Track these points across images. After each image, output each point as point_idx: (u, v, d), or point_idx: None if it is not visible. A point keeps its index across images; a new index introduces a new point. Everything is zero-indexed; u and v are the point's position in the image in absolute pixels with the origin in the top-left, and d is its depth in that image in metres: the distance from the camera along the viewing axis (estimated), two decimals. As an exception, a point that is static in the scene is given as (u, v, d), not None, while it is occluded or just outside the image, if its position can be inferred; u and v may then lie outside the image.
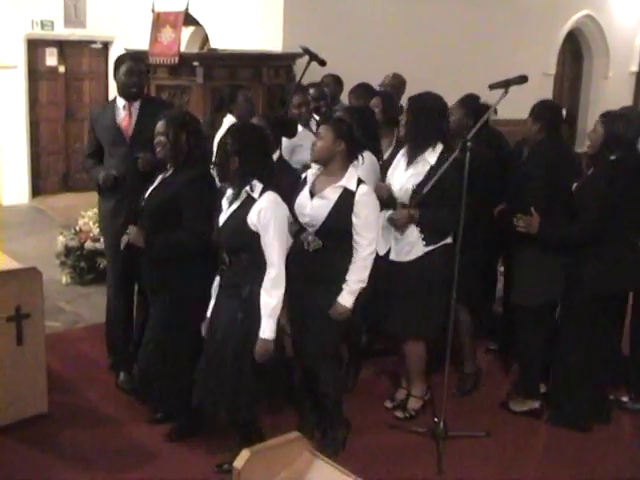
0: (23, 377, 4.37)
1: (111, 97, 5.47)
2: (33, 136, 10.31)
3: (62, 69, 10.47)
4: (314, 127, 5.33)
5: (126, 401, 4.71)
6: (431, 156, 4.32)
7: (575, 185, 4.51)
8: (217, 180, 3.96)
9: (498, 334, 5.60)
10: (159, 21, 6.49)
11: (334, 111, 5.73)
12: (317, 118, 5.61)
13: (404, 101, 4.94)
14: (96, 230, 6.50)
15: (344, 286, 3.96)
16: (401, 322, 4.45)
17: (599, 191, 4.34)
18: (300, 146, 5.04)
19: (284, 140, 4.79)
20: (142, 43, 6.99)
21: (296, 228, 4.09)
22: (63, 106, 10.51)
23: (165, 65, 6.43)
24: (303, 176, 4.17)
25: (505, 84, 4.12)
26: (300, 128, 5.29)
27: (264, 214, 3.58)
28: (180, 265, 4.03)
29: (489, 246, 5.00)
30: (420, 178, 4.30)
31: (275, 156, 4.33)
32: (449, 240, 4.39)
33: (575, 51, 11.30)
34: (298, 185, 4.12)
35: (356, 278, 3.95)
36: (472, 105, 4.97)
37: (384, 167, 4.60)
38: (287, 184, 4.05)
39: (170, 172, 4.13)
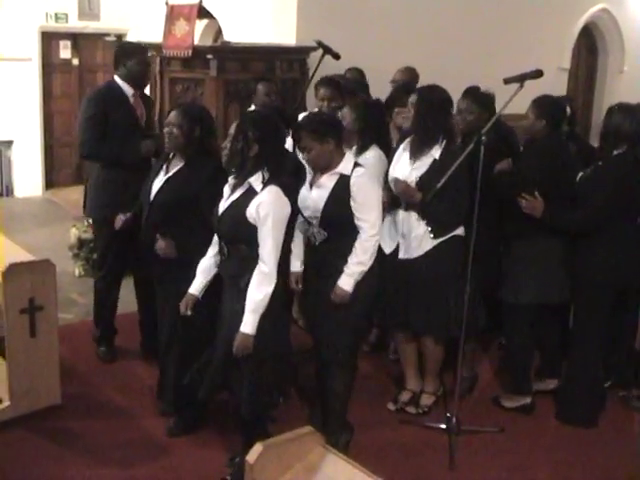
0: (36, 369, 4.38)
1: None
2: (47, 128, 10.36)
3: (76, 62, 10.51)
4: None
5: (139, 393, 4.73)
6: (436, 151, 4.27)
7: (580, 175, 4.50)
8: (224, 165, 3.86)
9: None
10: (173, 14, 6.48)
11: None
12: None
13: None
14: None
15: (344, 268, 3.89)
16: (421, 321, 4.40)
17: (602, 183, 4.32)
18: None
19: None
20: (156, 36, 6.99)
21: (305, 227, 4.06)
22: (77, 99, 10.50)
23: (179, 58, 6.42)
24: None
25: (520, 78, 4.08)
26: None
27: (262, 208, 3.50)
28: (189, 257, 3.98)
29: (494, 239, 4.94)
30: (423, 170, 4.26)
31: None
32: (459, 232, 4.34)
33: (590, 45, 11.22)
34: (302, 179, 4.08)
35: (356, 260, 3.87)
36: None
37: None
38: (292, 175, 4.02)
39: (181, 165, 4.06)
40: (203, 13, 6.64)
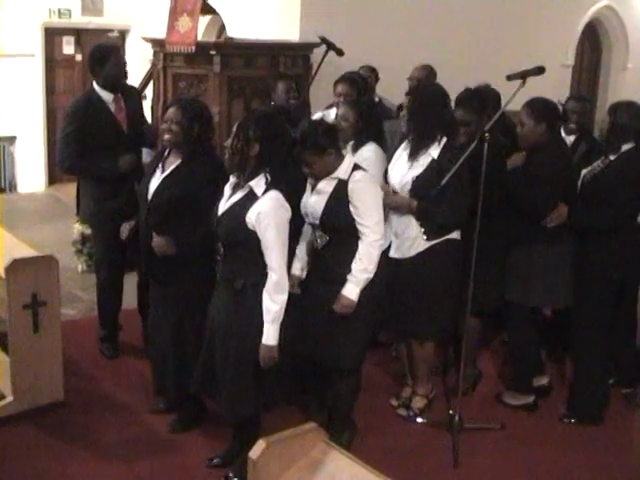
0: (39, 364, 4.38)
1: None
2: (50, 124, 10.34)
3: (79, 57, 10.49)
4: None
5: (142, 389, 4.71)
6: (435, 150, 4.20)
7: (585, 174, 4.48)
8: (226, 166, 3.76)
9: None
10: (176, 9, 6.46)
11: None
12: None
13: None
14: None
15: (348, 277, 3.82)
16: (405, 322, 4.37)
17: (622, 178, 4.31)
18: None
19: None
20: (159, 31, 6.98)
21: (310, 230, 4.03)
22: (80, 94, 10.51)
23: (182, 54, 6.40)
24: None
25: (522, 75, 4.04)
26: None
27: (263, 218, 3.45)
28: (188, 256, 3.95)
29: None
30: (420, 170, 4.20)
31: None
32: (454, 235, 4.29)
33: (594, 42, 11.21)
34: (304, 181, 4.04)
35: (360, 267, 3.80)
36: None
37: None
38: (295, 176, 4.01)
39: (178, 163, 3.99)
40: (206, 9, 6.62)
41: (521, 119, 4.45)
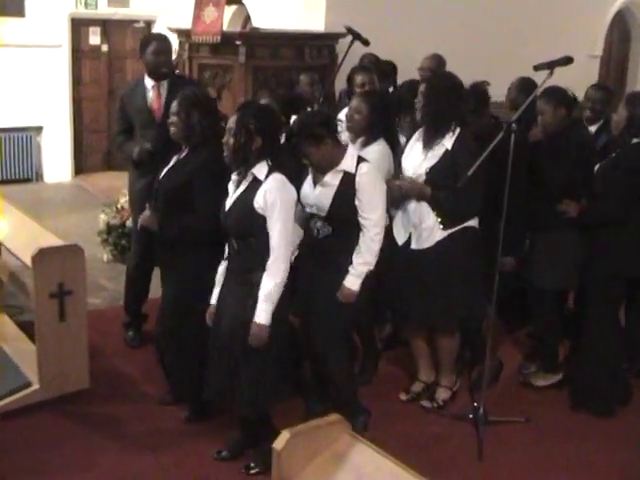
0: (65, 353, 4.41)
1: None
2: (76, 115, 10.43)
3: (105, 48, 10.56)
4: None
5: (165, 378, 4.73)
6: (448, 140, 4.16)
7: (598, 166, 4.49)
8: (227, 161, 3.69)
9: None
10: (202, 0, 6.47)
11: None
12: None
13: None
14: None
15: (350, 268, 3.88)
16: (423, 313, 4.35)
17: (622, 174, 4.30)
18: None
19: None
20: (184, 22, 7.00)
21: (307, 215, 4.01)
22: (106, 85, 10.59)
23: (207, 44, 6.42)
24: None
25: (550, 65, 4.02)
26: None
27: (269, 195, 3.47)
28: (190, 245, 3.95)
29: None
30: (434, 161, 4.17)
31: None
32: (472, 223, 4.26)
33: (623, 32, 11.05)
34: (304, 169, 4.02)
35: (362, 260, 3.87)
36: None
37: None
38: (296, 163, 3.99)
39: (184, 153, 4.05)
40: (232, -1, 6.64)
41: (540, 108, 4.47)
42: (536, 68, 4.11)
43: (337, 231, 3.91)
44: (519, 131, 4.00)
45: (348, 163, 3.85)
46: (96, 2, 10.12)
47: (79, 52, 10.33)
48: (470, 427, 4.31)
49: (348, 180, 3.83)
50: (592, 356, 4.55)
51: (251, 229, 3.55)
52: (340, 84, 6.25)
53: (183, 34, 6.72)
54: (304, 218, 4.06)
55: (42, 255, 4.24)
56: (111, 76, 10.62)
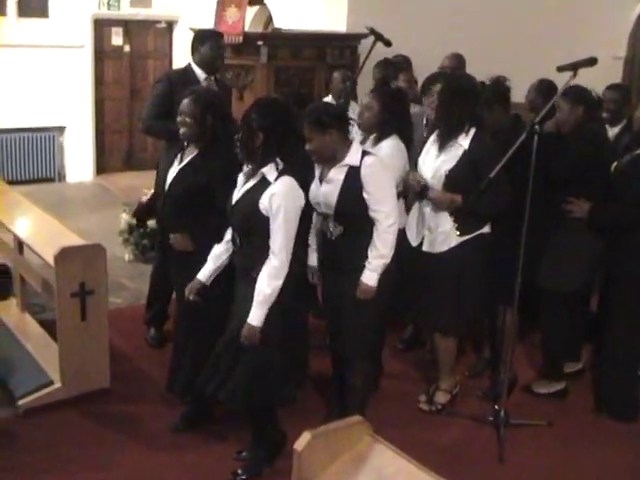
0: (86, 352, 4.43)
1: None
2: (98, 115, 10.48)
3: (127, 48, 10.61)
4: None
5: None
6: (464, 140, 4.14)
7: (615, 165, 4.44)
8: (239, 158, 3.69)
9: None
10: (224, 0, 6.49)
11: None
12: None
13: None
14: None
15: (366, 263, 3.78)
16: (429, 316, 4.35)
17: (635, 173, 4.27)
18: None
19: None
20: (206, 22, 7.01)
21: (321, 220, 3.96)
22: (127, 85, 10.64)
23: (229, 44, 6.42)
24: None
25: (574, 66, 3.97)
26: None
27: (274, 200, 3.42)
28: (203, 246, 3.90)
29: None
30: (453, 163, 4.14)
31: None
32: (485, 230, 4.25)
33: (647, 33, 10.95)
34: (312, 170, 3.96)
35: (377, 253, 3.76)
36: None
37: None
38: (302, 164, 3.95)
39: (195, 154, 3.97)
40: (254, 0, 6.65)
41: (559, 106, 4.44)
42: (560, 69, 4.06)
43: (349, 230, 3.82)
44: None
45: (352, 157, 3.77)
46: (119, 3, 10.17)
47: (101, 52, 10.39)
48: (490, 430, 4.29)
49: (353, 174, 3.75)
50: (616, 359, 4.50)
51: (254, 227, 3.51)
52: (362, 85, 6.23)
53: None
54: (319, 224, 3.99)
55: (64, 254, 4.26)
56: (133, 76, 10.67)
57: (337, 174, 3.79)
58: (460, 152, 4.13)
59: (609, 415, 4.53)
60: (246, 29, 6.59)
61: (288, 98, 4.39)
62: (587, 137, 4.45)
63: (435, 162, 4.22)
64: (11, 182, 8.68)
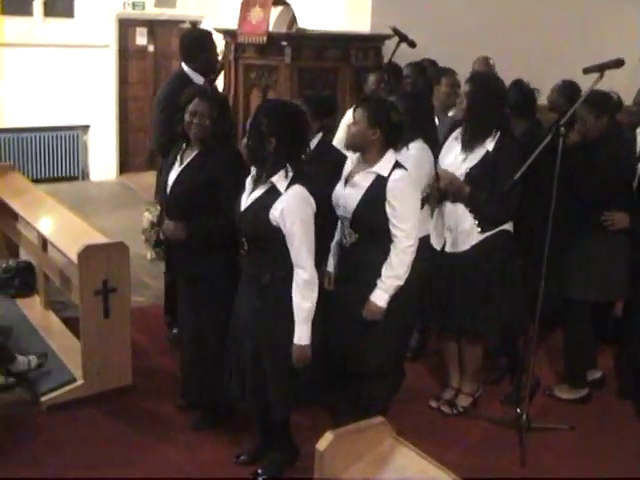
0: (109, 349, 4.46)
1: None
2: (122, 114, 10.55)
3: (151, 48, 10.66)
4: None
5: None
6: (489, 142, 4.10)
7: None
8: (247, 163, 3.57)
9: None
10: (249, 1, 6.49)
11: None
12: None
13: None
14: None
15: (378, 282, 3.67)
16: (463, 318, 4.26)
17: None
18: None
19: None
20: (230, 22, 7.02)
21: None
22: (151, 85, 10.68)
23: (253, 44, 6.43)
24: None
25: (600, 68, 3.92)
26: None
27: (287, 217, 3.30)
28: (211, 252, 3.86)
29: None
30: (474, 162, 4.11)
31: (316, 139, 4.17)
32: (507, 227, 4.20)
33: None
34: (339, 170, 3.89)
35: (391, 274, 3.65)
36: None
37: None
38: (328, 169, 3.92)
39: (195, 153, 3.90)
40: (278, 0, 6.64)
41: (581, 115, 4.30)
42: (586, 71, 4.01)
43: (362, 239, 3.73)
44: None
45: (383, 166, 3.68)
46: (143, 3, 10.23)
47: (126, 52, 10.45)
48: (512, 434, 4.26)
49: (379, 184, 3.65)
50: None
51: (264, 234, 3.40)
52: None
53: (229, 35, 6.74)
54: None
55: (87, 252, 4.28)
56: (157, 76, 10.70)
57: (363, 180, 3.72)
58: (483, 152, 4.11)
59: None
60: (270, 29, 6.58)
61: (311, 102, 4.33)
62: (613, 155, 4.34)
63: (457, 161, 4.19)
64: (35, 180, 8.75)
